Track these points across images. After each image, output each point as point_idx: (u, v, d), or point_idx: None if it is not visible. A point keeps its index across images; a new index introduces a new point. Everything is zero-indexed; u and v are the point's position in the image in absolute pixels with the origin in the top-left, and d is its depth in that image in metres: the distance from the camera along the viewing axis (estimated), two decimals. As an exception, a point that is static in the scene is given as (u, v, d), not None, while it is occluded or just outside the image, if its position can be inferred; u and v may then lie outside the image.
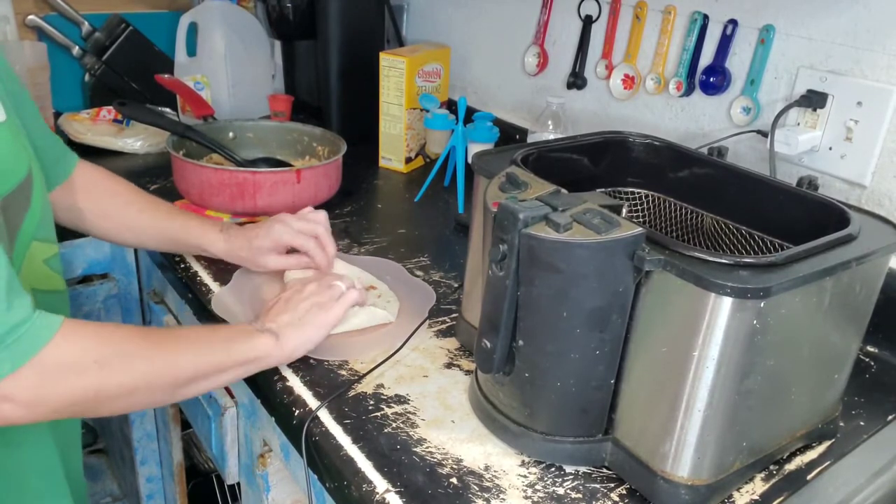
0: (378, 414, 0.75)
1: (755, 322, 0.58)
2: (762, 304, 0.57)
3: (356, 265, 1.02)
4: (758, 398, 0.63)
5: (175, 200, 1.14)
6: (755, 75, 1.06)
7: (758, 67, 1.05)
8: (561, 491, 0.67)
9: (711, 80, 1.11)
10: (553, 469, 0.70)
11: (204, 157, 1.25)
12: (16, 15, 1.54)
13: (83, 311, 1.25)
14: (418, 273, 1.04)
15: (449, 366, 0.84)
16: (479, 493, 0.66)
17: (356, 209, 1.26)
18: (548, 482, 0.68)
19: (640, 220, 0.91)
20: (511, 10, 1.44)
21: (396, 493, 0.65)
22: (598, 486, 0.68)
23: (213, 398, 0.98)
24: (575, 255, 0.60)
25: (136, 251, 1.27)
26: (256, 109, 1.63)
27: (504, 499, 0.65)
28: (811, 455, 0.74)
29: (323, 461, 0.71)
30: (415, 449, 0.71)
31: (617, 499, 0.67)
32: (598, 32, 1.29)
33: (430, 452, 0.70)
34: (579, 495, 0.67)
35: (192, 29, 1.57)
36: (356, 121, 1.54)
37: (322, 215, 0.97)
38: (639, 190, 0.91)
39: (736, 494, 0.68)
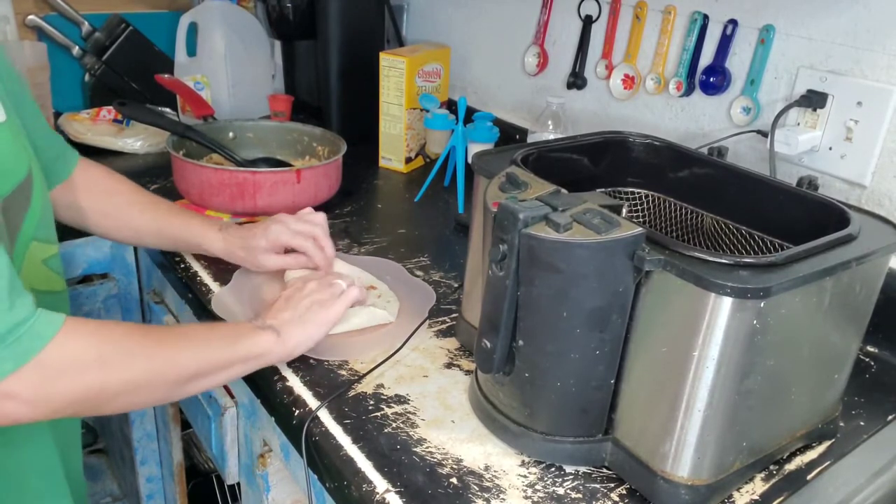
0: (378, 414, 0.75)
1: (755, 322, 0.58)
2: (762, 304, 0.57)
3: (356, 265, 1.02)
4: (758, 398, 0.63)
5: (175, 200, 1.14)
6: (755, 75, 1.06)
7: (758, 67, 1.05)
8: (561, 491, 0.67)
9: (711, 80, 1.11)
10: (553, 469, 0.70)
11: (204, 157, 1.25)
12: (16, 15, 1.54)
13: (83, 311, 1.25)
14: (418, 273, 1.04)
15: (449, 366, 0.84)
16: (479, 493, 0.66)
17: (356, 209, 1.26)
18: (548, 482, 0.68)
19: (640, 220, 0.91)
20: (511, 10, 1.44)
21: (396, 493, 0.65)
22: (598, 486, 0.68)
23: (212, 398, 0.98)
24: (575, 255, 0.60)
25: (136, 251, 1.27)
26: (256, 109, 1.63)
27: (504, 499, 0.65)
28: (811, 455, 0.74)
29: (323, 461, 0.71)
30: (415, 449, 0.71)
31: (617, 499, 0.67)
32: (598, 32, 1.29)
33: (430, 452, 0.70)
34: (579, 495, 0.67)
35: (192, 29, 1.57)
36: (356, 121, 1.54)
37: (321, 217, 0.97)
38: (639, 190, 0.91)
39: (736, 494, 0.68)
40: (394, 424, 0.74)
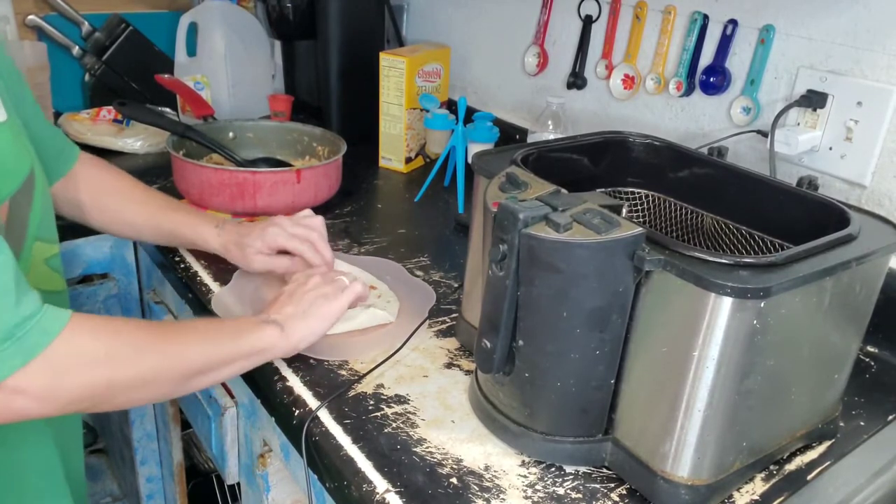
0: (378, 414, 0.75)
1: (755, 322, 0.58)
2: (762, 304, 0.57)
3: (356, 265, 1.02)
4: (758, 398, 0.63)
5: (175, 200, 1.15)
6: (755, 75, 1.06)
7: (758, 67, 1.05)
8: (561, 491, 0.67)
9: (711, 80, 1.11)
10: (553, 469, 0.70)
11: (204, 157, 1.25)
12: (16, 15, 1.54)
13: (83, 311, 1.24)
14: (418, 273, 1.04)
15: (449, 366, 0.84)
16: (479, 493, 0.66)
17: (356, 209, 1.26)
18: (548, 482, 0.68)
19: (640, 220, 0.91)
20: (511, 10, 1.44)
21: (396, 493, 0.65)
22: (598, 486, 0.68)
23: (212, 398, 0.98)
24: (575, 255, 0.60)
25: (136, 251, 1.27)
26: (256, 109, 1.63)
27: (504, 499, 0.65)
28: (811, 455, 0.74)
29: (323, 461, 0.71)
30: (415, 449, 0.71)
31: (617, 499, 0.67)
32: (598, 32, 1.29)
33: (430, 452, 0.70)
34: (579, 495, 0.67)
35: (192, 29, 1.57)
36: (356, 121, 1.54)
37: (318, 221, 0.96)
38: (639, 190, 0.91)
39: (736, 494, 0.68)
40: (394, 424, 0.74)
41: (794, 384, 0.67)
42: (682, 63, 1.15)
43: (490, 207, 0.66)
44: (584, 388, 0.66)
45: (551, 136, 1.23)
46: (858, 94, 0.94)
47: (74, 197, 0.95)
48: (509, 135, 1.42)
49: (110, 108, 1.47)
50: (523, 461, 0.70)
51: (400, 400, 0.78)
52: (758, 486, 0.70)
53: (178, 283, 1.03)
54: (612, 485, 0.68)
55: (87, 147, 1.39)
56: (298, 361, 0.82)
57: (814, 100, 0.97)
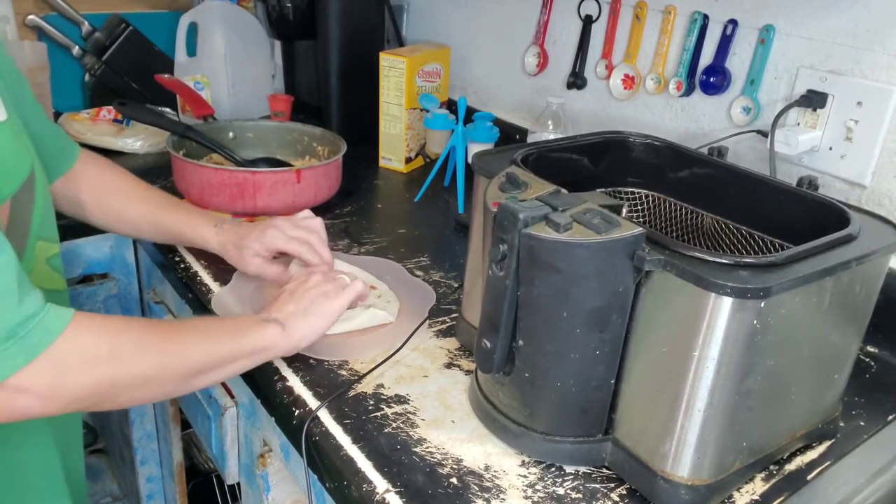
0: (378, 414, 0.75)
1: (755, 322, 0.58)
2: (762, 304, 0.57)
3: (356, 265, 1.02)
4: (758, 398, 0.63)
5: (175, 200, 1.14)
6: (755, 75, 1.06)
7: (758, 67, 1.05)
8: (561, 491, 0.67)
9: (711, 80, 1.11)
10: (553, 469, 0.70)
11: (204, 157, 1.25)
12: (16, 15, 1.54)
13: (84, 311, 1.25)
14: (418, 273, 1.04)
15: (449, 366, 0.84)
16: (479, 493, 0.66)
17: (356, 209, 1.26)
18: (548, 482, 0.68)
19: (640, 220, 0.91)
20: (511, 10, 1.44)
21: (396, 493, 0.65)
22: (598, 486, 0.68)
23: (212, 398, 0.98)
24: (575, 255, 0.60)
25: (136, 251, 1.27)
26: (256, 109, 1.63)
27: (504, 499, 0.65)
28: (811, 455, 0.74)
29: (323, 461, 0.71)
30: (415, 449, 0.71)
31: (617, 499, 0.67)
32: (598, 32, 1.29)
33: (430, 452, 0.70)
34: (579, 495, 0.67)
35: (192, 29, 1.57)
36: (356, 121, 1.54)
37: (317, 223, 0.96)
38: (639, 190, 0.91)
39: (736, 494, 0.68)
40: (394, 424, 0.74)
41: (794, 384, 0.67)
42: (682, 63, 1.15)
43: (490, 207, 0.66)
44: (584, 388, 0.66)
45: (551, 136, 1.23)
46: (858, 94, 0.94)
47: (75, 195, 0.95)
48: (509, 135, 1.42)
49: (110, 108, 1.47)
50: (523, 461, 0.70)
51: (400, 400, 0.78)
52: (758, 486, 0.70)
53: (178, 283, 1.03)
54: (612, 485, 0.68)
55: (87, 147, 1.39)
56: (298, 361, 0.82)
57: (814, 100, 0.97)
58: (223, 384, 0.98)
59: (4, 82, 0.76)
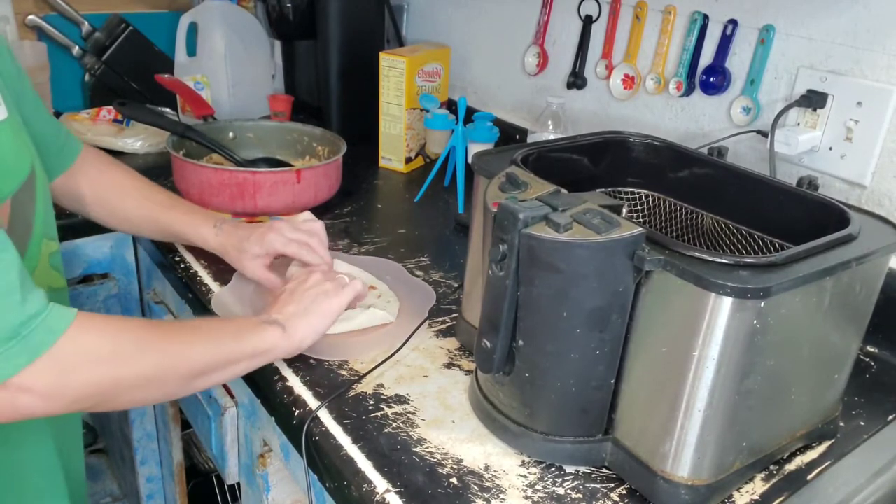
0: (378, 414, 0.75)
1: (755, 322, 0.58)
2: (762, 304, 0.57)
3: (356, 265, 1.02)
4: (758, 398, 0.63)
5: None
6: (755, 75, 1.06)
7: (758, 67, 1.05)
8: (561, 491, 0.67)
9: (711, 80, 1.11)
10: (553, 469, 0.70)
11: (204, 157, 1.25)
12: (16, 15, 1.54)
13: (83, 311, 1.25)
14: (418, 273, 1.04)
15: (449, 366, 0.84)
16: (479, 493, 0.66)
17: (356, 209, 1.26)
18: (548, 482, 0.68)
19: (640, 220, 0.91)
20: (511, 10, 1.44)
21: (396, 493, 0.65)
22: (598, 486, 0.68)
23: (212, 398, 0.98)
24: (575, 255, 0.60)
25: (136, 251, 1.27)
26: (256, 109, 1.63)
27: (504, 499, 0.65)
28: (811, 455, 0.74)
29: (323, 461, 0.71)
30: (415, 449, 0.71)
31: (617, 499, 0.67)
32: (598, 32, 1.29)
33: (430, 452, 0.70)
34: (579, 495, 0.67)
35: (192, 29, 1.57)
36: (356, 121, 1.54)
37: (318, 225, 0.96)
38: (639, 190, 0.91)
39: (736, 494, 0.68)
40: (394, 424, 0.74)
41: (794, 384, 0.67)
42: (682, 63, 1.15)
43: (490, 207, 0.66)
44: (584, 388, 0.66)
45: (551, 136, 1.23)
46: (858, 94, 0.94)
47: (75, 191, 0.95)
48: (509, 135, 1.42)
49: (110, 108, 1.47)
50: (523, 461, 0.70)
51: (400, 400, 0.78)
52: (758, 486, 0.70)
53: (178, 283, 1.03)
54: (612, 485, 0.68)
55: (87, 147, 1.40)
56: (298, 361, 0.82)
57: (814, 100, 0.97)
58: (223, 384, 0.98)
59: (4, 80, 0.76)
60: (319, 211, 1.11)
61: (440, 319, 0.93)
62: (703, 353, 0.59)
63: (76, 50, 1.62)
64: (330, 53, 1.51)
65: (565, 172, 0.80)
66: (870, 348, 0.93)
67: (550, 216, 0.61)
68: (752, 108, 1.07)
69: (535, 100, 1.44)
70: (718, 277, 0.56)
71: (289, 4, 1.51)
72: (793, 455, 0.74)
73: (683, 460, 0.63)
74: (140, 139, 1.42)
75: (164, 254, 1.06)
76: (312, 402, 0.76)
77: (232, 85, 1.59)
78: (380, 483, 0.66)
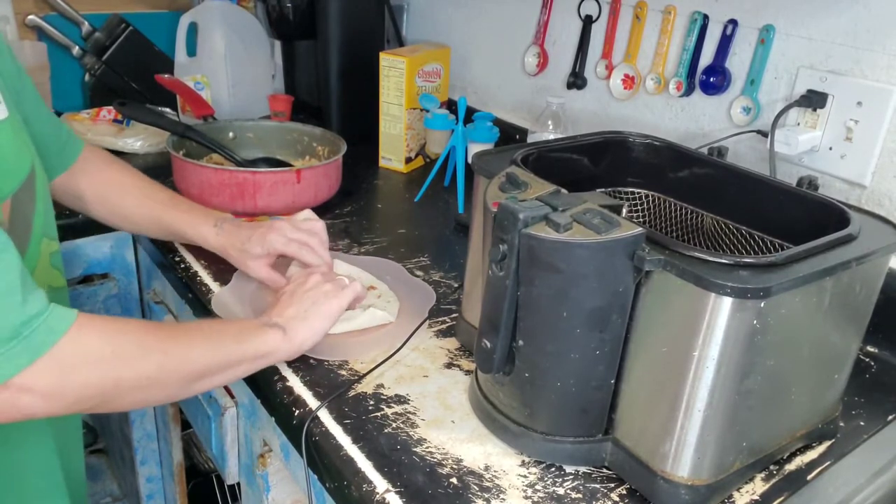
0: (378, 414, 0.75)
1: (755, 322, 0.58)
2: (762, 304, 0.57)
3: (356, 265, 1.02)
4: (758, 398, 0.63)
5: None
6: (755, 75, 1.06)
7: (758, 67, 1.05)
8: (561, 491, 0.67)
9: (711, 80, 1.11)
10: (553, 469, 0.70)
11: (204, 157, 1.25)
12: (16, 15, 1.54)
13: (84, 311, 1.25)
14: (418, 273, 1.04)
15: (449, 366, 0.84)
16: (479, 493, 0.66)
17: (356, 209, 1.26)
18: (548, 482, 0.68)
19: (640, 220, 0.91)
20: (511, 10, 1.44)
21: (396, 493, 0.65)
22: (598, 486, 0.68)
23: (212, 398, 0.98)
24: (575, 255, 0.60)
25: (136, 251, 1.27)
26: (256, 109, 1.63)
27: (504, 499, 0.65)
28: (811, 455, 0.74)
29: (323, 461, 0.71)
30: (415, 449, 0.71)
31: (617, 499, 0.67)
32: (598, 32, 1.29)
33: (430, 452, 0.70)
34: (579, 495, 0.67)
35: (192, 29, 1.57)
36: (356, 121, 1.54)
37: (320, 225, 0.96)
38: (639, 190, 0.91)
39: (736, 494, 0.68)
40: (394, 424, 0.74)
41: (794, 384, 0.67)
42: (682, 63, 1.15)
43: (490, 207, 0.66)
44: (584, 388, 0.66)
45: (551, 136, 1.23)
46: (858, 94, 0.94)
47: (76, 189, 0.95)
48: (509, 135, 1.42)
49: (110, 108, 1.47)
50: (523, 461, 0.70)
51: (400, 400, 0.78)
52: (758, 486, 0.70)
53: (178, 283, 1.03)
54: (612, 485, 0.68)
55: (87, 147, 1.40)
56: (298, 361, 0.82)
57: (814, 100, 0.97)
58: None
59: (4, 79, 0.76)
60: (319, 211, 1.10)
61: (440, 319, 0.93)
62: (703, 353, 0.59)
63: (76, 50, 1.62)
64: (330, 53, 1.51)
65: (565, 172, 0.80)
66: (870, 348, 0.93)
67: (550, 216, 0.61)
68: (752, 108, 1.07)
69: (535, 100, 1.44)
70: (718, 277, 0.56)
71: (289, 4, 1.51)
72: (793, 455, 0.74)
73: (683, 460, 0.63)
74: (140, 139, 1.42)
75: (164, 254, 1.06)
76: (312, 402, 0.76)
77: (232, 85, 1.59)
78: (380, 483, 0.66)
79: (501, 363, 0.68)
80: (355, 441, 0.71)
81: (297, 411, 0.75)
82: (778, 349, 0.62)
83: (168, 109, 1.53)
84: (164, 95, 1.55)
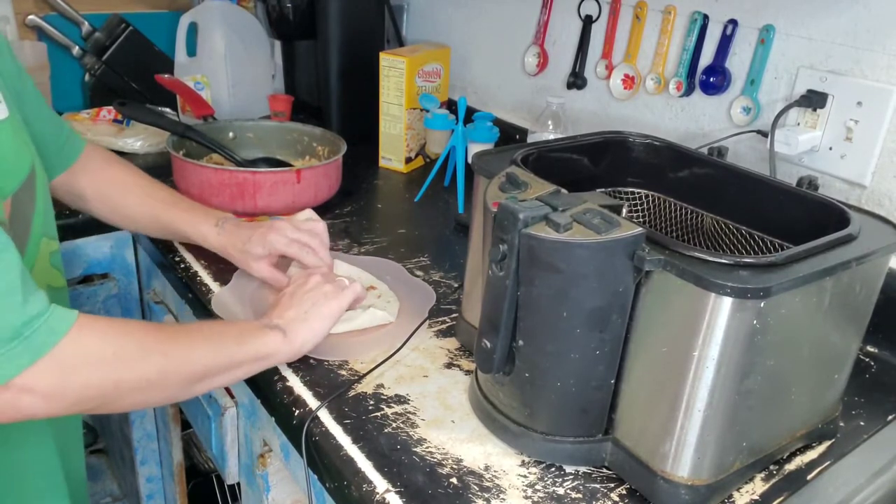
0: (378, 414, 0.75)
1: (755, 322, 0.58)
2: (762, 304, 0.57)
3: (356, 265, 1.02)
4: (758, 398, 0.63)
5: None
6: (755, 75, 1.06)
7: (758, 67, 1.05)
8: (561, 491, 0.67)
9: (711, 80, 1.11)
10: (553, 469, 0.70)
11: (204, 157, 1.25)
12: (16, 15, 1.54)
13: (83, 312, 1.25)
14: (418, 273, 1.04)
15: (449, 366, 0.84)
16: (479, 493, 0.66)
17: (356, 209, 1.26)
18: (548, 482, 0.68)
19: (640, 220, 0.91)
20: (511, 10, 1.44)
21: (396, 493, 0.65)
22: (598, 486, 0.68)
23: (212, 398, 0.98)
24: (575, 255, 0.60)
25: (136, 251, 1.27)
26: (256, 109, 1.63)
27: (504, 499, 0.65)
28: (811, 455, 0.74)
29: (323, 461, 0.71)
30: (415, 449, 0.71)
31: (617, 499, 0.67)
32: (598, 32, 1.29)
33: (430, 452, 0.70)
34: (579, 495, 0.67)
35: (192, 29, 1.57)
36: (356, 121, 1.54)
37: (321, 227, 0.96)
38: (639, 190, 0.91)
39: (736, 494, 0.68)
40: (394, 424, 0.74)
41: (794, 384, 0.67)
42: (682, 63, 1.15)
43: (490, 207, 0.66)
44: (584, 388, 0.66)
45: (551, 136, 1.23)
46: (858, 94, 0.94)
47: (77, 189, 0.96)
48: (509, 135, 1.42)
49: (110, 108, 1.47)
50: (523, 461, 0.70)
51: (400, 400, 0.78)
52: (758, 486, 0.70)
53: (178, 283, 1.03)
54: (612, 485, 0.68)
55: (87, 147, 1.40)
56: (298, 361, 0.82)
57: (814, 100, 0.97)
58: (223, 384, 0.98)
59: (4, 79, 0.76)
60: (319, 211, 1.10)
61: (440, 319, 0.93)
62: (703, 353, 0.59)
63: (76, 50, 1.62)
64: (330, 53, 1.51)
65: (565, 172, 0.80)
66: (870, 348, 0.93)
67: (550, 216, 0.61)
68: (752, 108, 1.07)
69: (535, 100, 1.44)
70: (718, 277, 0.56)
71: (289, 4, 1.51)
72: (793, 455, 0.74)
73: (683, 460, 0.63)
74: (140, 139, 1.42)
75: (164, 254, 1.06)
76: (312, 402, 0.76)
77: (232, 85, 1.59)
78: (380, 483, 0.66)
79: (501, 363, 0.68)
80: (355, 441, 0.71)
81: (297, 411, 0.75)
82: (778, 349, 0.62)
83: (168, 109, 1.53)
84: (164, 95, 1.55)
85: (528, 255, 0.62)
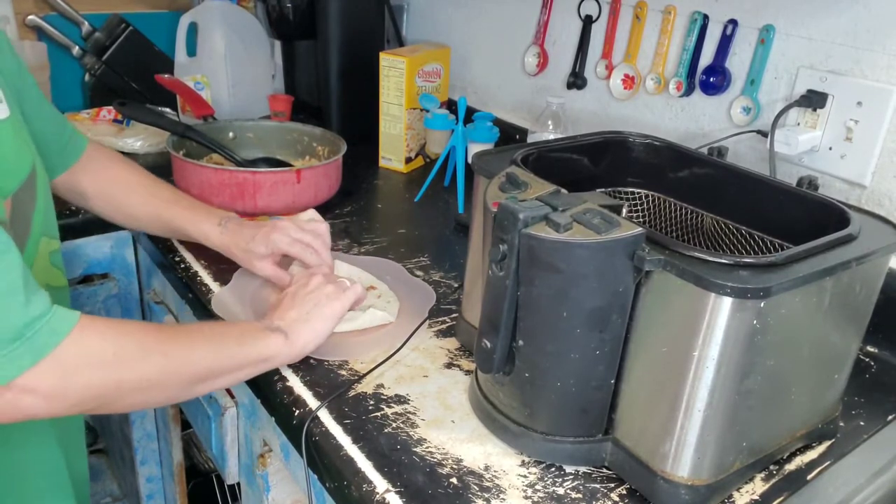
0: (378, 414, 0.75)
1: (755, 322, 0.58)
2: (762, 304, 0.57)
3: (356, 265, 1.02)
4: (758, 398, 0.63)
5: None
6: (755, 75, 1.06)
7: (758, 67, 1.05)
8: (561, 491, 0.67)
9: (711, 80, 1.11)
10: (553, 469, 0.70)
11: (204, 157, 1.25)
12: (16, 15, 1.54)
13: (83, 312, 1.25)
14: (418, 273, 1.04)
15: (449, 366, 0.84)
16: (479, 493, 0.66)
17: (356, 209, 1.26)
18: (548, 482, 0.68)
19: (640, 220, 0.91)
20: (511, 10, 1.44)
21: (396, 493, 0.65)
22: (598, 486, 0.68)
23: (213, 398, 0.98)
24: (575, 255, 0.60)
25: (136, 251, 1.27)
26: (256, 109, 1.63)
27: (504, 499, 0.66)
28: (811, 455, 0.74)
29: (323, 461, 0.71)
30: (415, 449, 0.71)
31: (617, 499, 0.67)
32: (598, 32, 1.29)
33: (430, 452, 0.70)
34: (579, 495, 0.67)
35: (192, 29, 1.57)
36: (356, 121, 1.54)
37: (323, 227, 0.96)
38: (639, 190, 0.91)
39: (736, 494, 0.68)
40: (394, 424, 0.74)
41: (794, 384, 0.67)
42: (682, 63, 1.15)
43: (490, 207, 0.66)
44: (584, 388, 0.66)
45: (551, 136, 1.23)
46: (858, 94, 0.94)
47: (78, 187, 0.96)
48: (509, 135, 1.42)
49: (110, 108, 1.47)
50: (523, 461, 0.70)
51: (400, 400, 0.78)
52: (758, 486, 0.70)
53: (178, 283, 1.03)
54: (612, 485, 0.69)
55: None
56: (298, 361, 0.82)
57: (814, 100, 0.97)
58: (223, 384, 0.98)
59: (4, 77, 0.76)
60: (319, 211, 1.10)
61: (440, 319, 0.93)
62: (703, 353, 0.59)
63: (76, 50, 1.62)
64: (330, 53, 1.51)
65: (565, 172, 0.80)
66: (870, 348, 0.93)
67: (550, 216, 0.61)
68: (752, 108, 1.07)
69: (535, 100, 1.44)
70: (718, 277, 0.56)
71: (289, 4, 1.51)
72: (793, 455, 0.74)
73: (683, 460, 0.63)
74: (140, 139, 1.42)
75: (165, 254, 1.06)
76: (312, 402, 0.76)
77: (232, 85, 1.59)
78: (380, 483, 0.66)
79: (501, 363, 0.68)
80: (355, 441, 0.71)
81: (297, 411, 0.75)
82: (778, 349, 0.62)
83: (168, 109, 1.53)
84: (164, 95, 1.55)
85: (528, 255, 0.62)
